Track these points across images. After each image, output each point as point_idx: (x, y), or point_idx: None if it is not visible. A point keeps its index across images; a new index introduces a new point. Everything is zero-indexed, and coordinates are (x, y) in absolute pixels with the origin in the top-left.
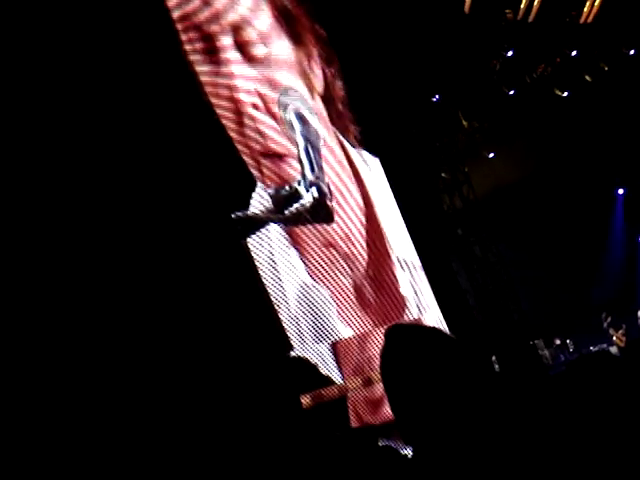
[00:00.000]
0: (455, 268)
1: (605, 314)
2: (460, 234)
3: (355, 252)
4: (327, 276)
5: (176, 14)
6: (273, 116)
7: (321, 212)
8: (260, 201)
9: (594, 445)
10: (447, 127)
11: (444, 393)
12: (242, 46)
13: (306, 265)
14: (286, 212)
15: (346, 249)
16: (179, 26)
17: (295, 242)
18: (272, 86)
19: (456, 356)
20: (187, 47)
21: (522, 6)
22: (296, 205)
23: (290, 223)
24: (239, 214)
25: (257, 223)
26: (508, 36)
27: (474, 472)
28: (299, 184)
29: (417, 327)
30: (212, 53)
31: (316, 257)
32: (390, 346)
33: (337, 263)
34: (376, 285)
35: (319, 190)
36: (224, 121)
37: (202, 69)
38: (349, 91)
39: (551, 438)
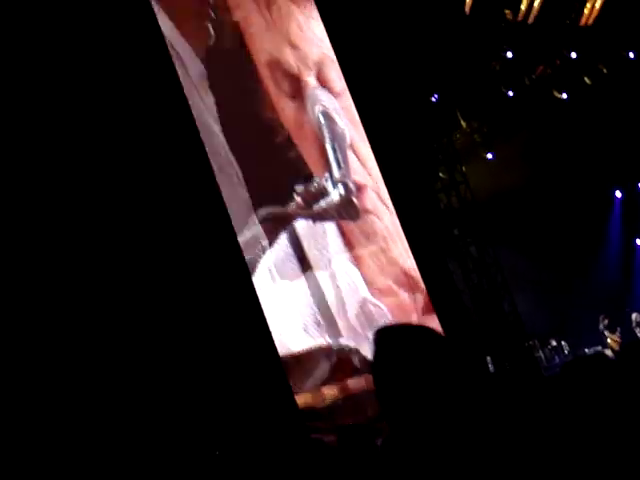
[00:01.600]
0: (451, 268)
1: (603, 316)
2: (457, 234)
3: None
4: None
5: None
6: None
7: (348, 209)
8: (288, 197)
9: (588, 446)
10: (446, 127)
11: (435, 394)
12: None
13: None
14: (314, 207)
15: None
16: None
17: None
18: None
19: (447, 358)
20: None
21: (522, 7)
22: (323, 202)
23: (317, 219)
24: (269, 210)
25: (286, 218)
26: (508, 37)
27: (467, 471)
28: (326, 181)
29: (409, 329)
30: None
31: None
32: (382, 348)
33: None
34: None
35: (345, 187)
36: None
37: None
38: (350, 89)
39: (545, 439)
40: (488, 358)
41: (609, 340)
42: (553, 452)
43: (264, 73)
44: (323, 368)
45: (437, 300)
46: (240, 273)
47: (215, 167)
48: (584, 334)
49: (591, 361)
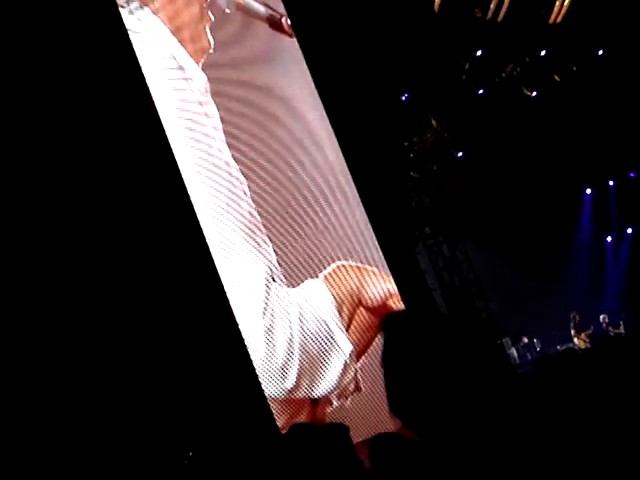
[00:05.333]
0: (423, 266)
1: (574, 314)
2: (428, 232)
3: None
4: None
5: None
6: None
7: None
8: None
9: (560, 442)
10: (416, 126)
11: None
12: None
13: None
14: None
15: None
16: None
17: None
18: None
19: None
20: None
21: (492, 5)
22: None
23: None
24: None
25: None
26: (477, 35)
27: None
28: None
29: (416, 318)
30: None
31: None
32: (391, 337)
33: None
34: None
35: None
36: None
37: None
38: (319, 87)
39: (518, 436)
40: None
41: (579, 338)
42: (528, 449)
43: None
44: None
45: (408, 298)
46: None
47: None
48: (555, 332)
49: (562, 357)
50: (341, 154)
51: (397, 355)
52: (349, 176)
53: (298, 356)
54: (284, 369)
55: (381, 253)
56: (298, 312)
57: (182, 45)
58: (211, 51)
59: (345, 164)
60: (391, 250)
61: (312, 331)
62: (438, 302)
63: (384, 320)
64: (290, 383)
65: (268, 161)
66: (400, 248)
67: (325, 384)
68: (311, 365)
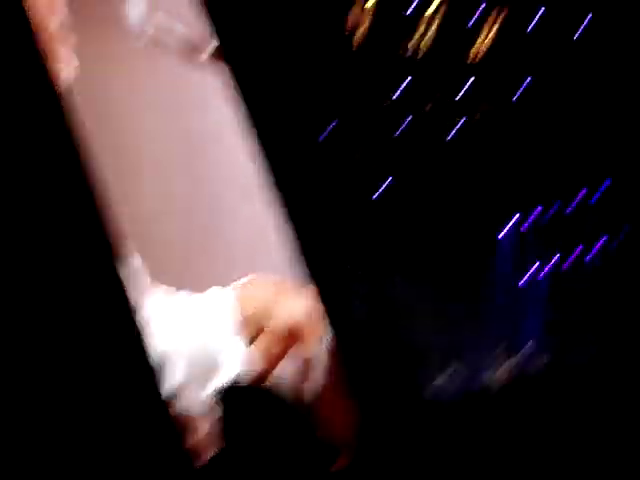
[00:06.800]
0: (349, 295)
1: (495, 342)
2: (358, 263)
3: None
4: None
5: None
6: None
7: None
8: None
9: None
10: (339, 156)
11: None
12: None
13: None
14: None
15: None
16: None
17: None
18: None
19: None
20: None
21: (414, 42)
22: None
23: None
24: None
25: None
26: (400, 71)
27: None
28: None
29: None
30: None
31: None
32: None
33: None
34: None
35: None
36: None
37: None
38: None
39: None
40: (382, 396)
41: (501, 368)
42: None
43: None
44: None
45: (333, 334)
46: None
47: None
48: (479, 360)
49: (476, 395)
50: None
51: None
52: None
53: (179, 366)
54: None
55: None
56: (189, 319)
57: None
58: (71, 79)
59: (266, 174)
60: (319, 280)
61: (200, 343)
62: (365, 338)
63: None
64: (167, 393)
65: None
66: (328, 278)
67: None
68: (194, 377)
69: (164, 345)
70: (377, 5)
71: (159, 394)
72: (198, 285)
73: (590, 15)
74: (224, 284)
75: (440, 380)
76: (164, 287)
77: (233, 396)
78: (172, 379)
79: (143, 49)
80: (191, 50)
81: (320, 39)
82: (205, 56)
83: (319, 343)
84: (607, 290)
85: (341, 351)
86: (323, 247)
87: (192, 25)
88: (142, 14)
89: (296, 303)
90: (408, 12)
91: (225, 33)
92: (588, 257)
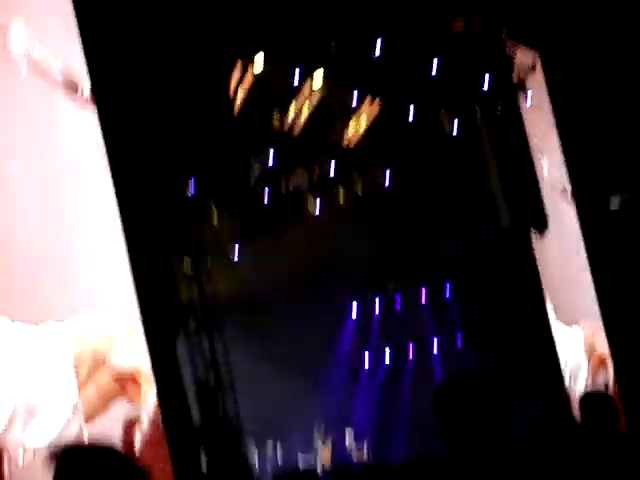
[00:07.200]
0: (181, 360)
1: (318, 425)
2: (192, 328)
3: None
4: None
5: None
6: None
7: None
8: None
9: None
10: (197, 217)
11: None
12: None
13: None
14: None
15: None
16: None
17: None
18: None
19: None
20: None
21: (291, 115)
22: None
23: None
24: None
25: None
26: (272, 143)
27: None
28: None
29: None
30: None
31: None
32: None
33: None
34: None
35: None
36: None
37: None
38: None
39: None
40: (203, 458)
41: (322, 452)
42: None
43: None
44: None
45: (160, 387)
46: None
47: None
48: (300, 442)
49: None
50: (120, 232)
51: None
52: (124, 255)
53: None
54: None
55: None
56: (23, 352)
57: None
58: None
59: (124, 241)
60: (153, 338)
61: (37, 376)
62: (191, 398)
63: None
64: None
65: None
66: (162, 337)
67: (43, 436)
68: (27, 411)
69: None
70: (259, 76)
71: None
72: (34, 316)
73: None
74: (61, 318)
75: (259, 456)
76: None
77: (67, 456)
78: None
79: (23, 81)
80: (68, 85)
81: (198, 100)
82: (81, 93)
83: (148, 396)
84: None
85: (164, 410)
86: (159, 298)
87: (71, 62)
88: (24, 46)
89: (131, 353)
90: (292, 84)
91: (97, 76)
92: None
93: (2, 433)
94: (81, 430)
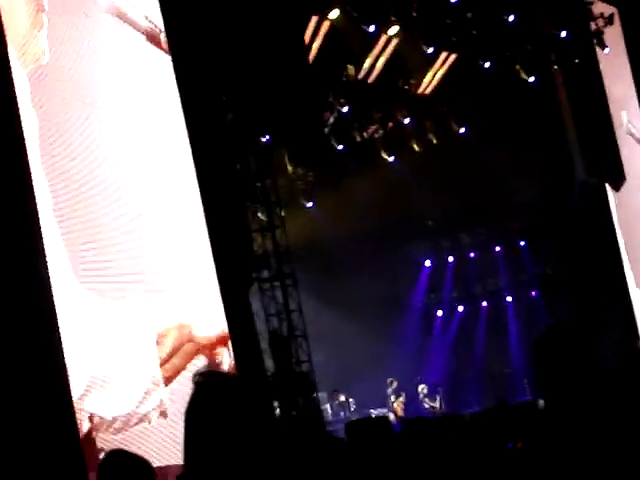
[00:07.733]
0: (254, 309)
1: (391, 380)
2: (265, 277)
3: None
4: None
5: None
6: None
7: None
8: None
9: None
10: (271, 169)
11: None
12: None
13: None
14: None
15: None
16: None
17: None
18: None
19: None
20: None
21: (365, 65)
22: None
23: None
24: None
25: None
26: (346, 92)
27: None
28: None
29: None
30: None
31: None
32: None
33: None
34: None
35: None
36: None
37: None
38: (185, 110)
39: None
40: (276, 403)
41: (394, 404)
42: None
43: None
44: None
45: (234, 338)
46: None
47: None
48: (374, 392)
49: (373, 424)
50: (195, 184)
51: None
52: (199, 208)
53: (94, 368)
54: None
55: (218, 290)
56: (109, 326)
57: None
58: (45, 61)
59: (199, 194)
60: (227, 288)
61: (118, 349)
62: (263, 347)
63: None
64: (78, 392)
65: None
66: (235, 287)
67: (120, 406)
68: (106, 382)
69: (85, 347)
70: (335, 24)
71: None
72: (118, 293)
73: None
74: (145, 294)
75: (332, 405)
76: (95, 288)
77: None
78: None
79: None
80: (148, 33)
81: (275, 49)
82: (159, 41)
83: (224, 357)
84: None
85: (238, 361)
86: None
87: (150, 12)
88: None
89: (211, 323)
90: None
91: (174, 24)
92: None
93: (80, 400)
94: (161, 403)
